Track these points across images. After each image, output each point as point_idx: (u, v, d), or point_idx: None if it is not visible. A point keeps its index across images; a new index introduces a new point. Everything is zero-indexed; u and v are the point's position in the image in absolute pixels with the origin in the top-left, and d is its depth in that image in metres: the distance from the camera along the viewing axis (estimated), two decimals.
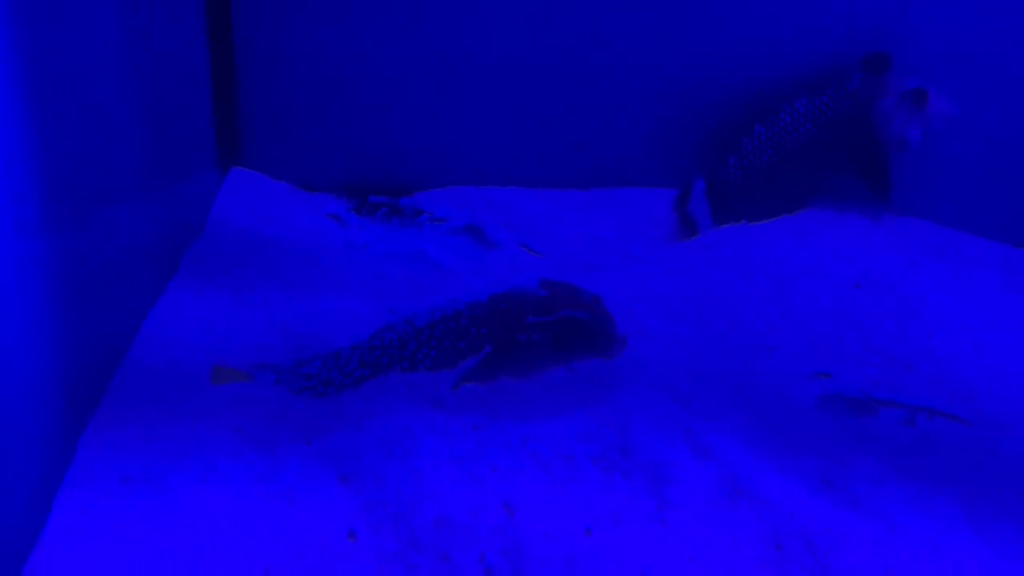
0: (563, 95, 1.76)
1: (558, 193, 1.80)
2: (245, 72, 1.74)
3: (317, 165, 1.80)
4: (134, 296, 1.30)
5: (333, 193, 1.77)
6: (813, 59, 1.71)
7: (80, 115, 1.08)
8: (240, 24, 1.71)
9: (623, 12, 1.71)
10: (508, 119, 1.79)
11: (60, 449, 1.01)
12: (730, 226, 1.67)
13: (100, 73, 1.15)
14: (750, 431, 1.16)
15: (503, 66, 1.76)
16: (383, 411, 1.12)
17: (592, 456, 1.07)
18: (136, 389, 1.17)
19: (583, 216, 1.73)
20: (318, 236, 1.62)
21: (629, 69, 1.75)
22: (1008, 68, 1.69)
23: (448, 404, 1.16)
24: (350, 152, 1.81)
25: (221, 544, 0.92)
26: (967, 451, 1.18)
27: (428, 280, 1.50)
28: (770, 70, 1.73)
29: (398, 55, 1.75)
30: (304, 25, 1.72)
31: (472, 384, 1.20)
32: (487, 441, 1.08)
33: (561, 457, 1.07)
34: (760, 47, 1.73)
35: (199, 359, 1.23)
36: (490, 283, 1.46)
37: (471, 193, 1.79)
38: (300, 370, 1.21)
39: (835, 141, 1.65)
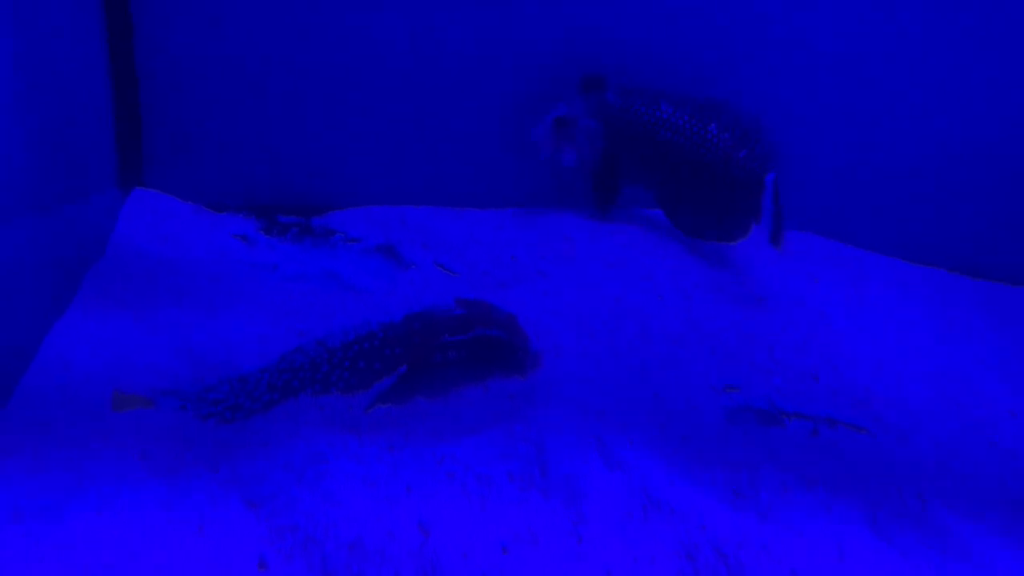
0: (479, 115, 1.77)
1: (474, 212, 1.80)
2: (147, 89, 1.69)
3: (225, 185, 1.76)
4: (27, 321, 1.25)
5: (241, 213, 1.73)
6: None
7: None
8: (141, 39, 1.66)
9: (545, 34, 1.74)
10: (424, 138, 1.79)
11: None
12: (635, 239, 1.71)
13: None
14: (663, 444, 1.18)
15: (419, 83, 1.75)
16: (293, 435, 1.10)
17: (509, 474, 1.07)
18: (31, 418, 1.11)
19: (498, 235, 1.74)
20: (225, 257, 1.58)
21: (542, 93, 1.77)
22: (887, 81, 1.78)
23: (362, 426, 1.14)
24: (260, 171, 1.77)
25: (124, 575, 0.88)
26: (868, 458, 1.22)
27: (340, 301, 1.48)
28: None
29: (310, 70, 1.72)
30: (210, 38, 1.68)
31: (387, 405, 1.19)
32: (402, 462, 1.07)
33: (477, 476, 1.06)
34: None
35: (99, 385, 1.18)
36: (405, 303, 1.45)
37: (386, 213, 1.77)
38: (206, 395, 1.18)
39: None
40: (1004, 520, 1.13)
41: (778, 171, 1.60)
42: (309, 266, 1.58)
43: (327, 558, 0.92)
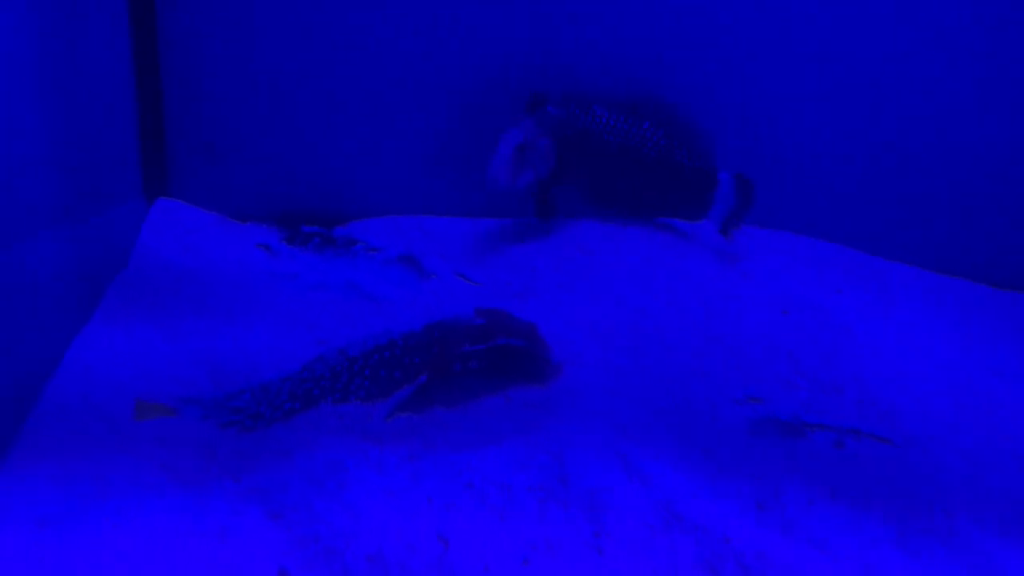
0: (500, 126, 1.78)
1: (493, 222, 1.81)
2: (172, 100, 1.71)
3: (248, 195, 1.77)
4: (52, 330, 1.26)
5: (264, 223, 1.75)
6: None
7: None
8: (166, 50, 1.68)
9: (571, 40, 1.74)
10: (445, 148, 1.79)
11: None
12: (655, 250, 1.71)
13: (13, 96, 1.11)
14: (685, 456, 1.17)
15: (439, 95, 1.76)
16: (314, 444, 1.10)
17: (529, 485, 1.07)
18: (55, 426, 1.12)
19: (518, 245, 1.74)
20: (247, 267, 1.59)
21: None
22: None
23: (382, 436, 1.14)
24: (283, 181, 1.79)
25: None
26: (894, 471, 1.20)
27: (361, 311, 1.48)
28: None
29: (332, 82, 1.74)
30: (234, 49, 1.70)
31: (407, 414, 1.19)
32: (422, 472, 1.07)
33: (498, 487, 1.06)
34: None
35: (122, 394, 1.19)
36: (425, 312, 1.45)
37: (407, 222, 1.78)
38: (228, 404, 1.18)
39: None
40: None
41: (731, 168, 1.68)
42: (331, 276, 1.58)
43: (347, 568, 0.92)
